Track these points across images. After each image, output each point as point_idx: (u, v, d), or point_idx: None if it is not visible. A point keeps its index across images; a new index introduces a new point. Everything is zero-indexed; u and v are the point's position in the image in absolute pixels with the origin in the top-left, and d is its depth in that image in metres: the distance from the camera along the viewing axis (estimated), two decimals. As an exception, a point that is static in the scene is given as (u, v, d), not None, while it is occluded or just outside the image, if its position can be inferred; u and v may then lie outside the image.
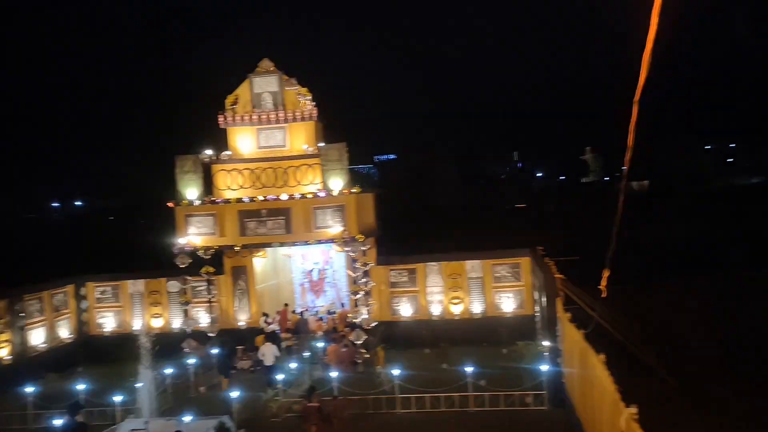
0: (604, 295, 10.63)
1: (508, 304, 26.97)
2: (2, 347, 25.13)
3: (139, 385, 18.81)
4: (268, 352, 23.12)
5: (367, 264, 25.83)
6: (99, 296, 29.33)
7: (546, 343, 20.06)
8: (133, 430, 17.00)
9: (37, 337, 26.72)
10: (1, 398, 22.70)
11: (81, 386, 21.13)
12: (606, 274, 10.43)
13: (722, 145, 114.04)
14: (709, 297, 31.40)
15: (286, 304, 28.16)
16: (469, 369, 19.53)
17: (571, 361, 16.24)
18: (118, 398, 19.60)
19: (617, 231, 8.94)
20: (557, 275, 21.00)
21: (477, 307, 27.16)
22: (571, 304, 20.68)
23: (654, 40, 6.14)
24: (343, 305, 28.97)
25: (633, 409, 9.26)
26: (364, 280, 25.53)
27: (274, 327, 26.59)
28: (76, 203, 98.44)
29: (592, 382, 12.62)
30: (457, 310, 27.25)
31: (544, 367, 19.12)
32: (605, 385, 11.12)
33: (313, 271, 30.20)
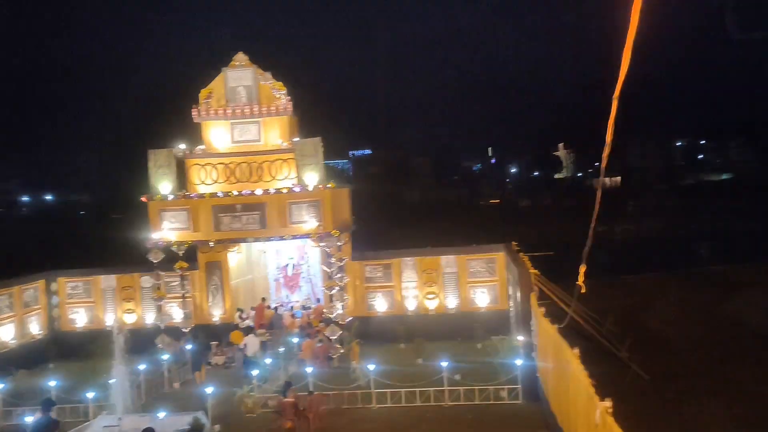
0: (583, 290, 10.69)
1: (482, 299, 27.10)
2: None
3: (112, 381, 18.60)
4: (250, 343, 23.52)
5: (342, 259, 25.80)
6: (70, 292, 28.91)
7: (520, 338, 20.19)
8: (106, 426, 16.83)
9: (6, 333, 26.28)
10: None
11: (52, 383, 20.85)
12: (583, 269, 10.48)
13: (692, 142, 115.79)
14: (681, 292, 31.90)
15: (264, 298, 28.05)
16: (444, 364, 19.58)
17: (546, 355, 16.38)
18: (90, 394, 19.35)
19: (594, 226, 8.98)
20: (532, 270, 21.16)
21: (452, 302, 27.26)
22: (546, 298, 20.88)
23: (634, 36, 6.15)
24: (318, 300, 28.89)
25: (608, 403, 9.34)
26: (339, 275, 25.49)
27: (249, 322, 26.46)
28: (45, 198, 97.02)
29: (567, 376, 12.74)
30: (432, 305, 27.33)
31: (519, 362, 19.25)
32: (580, 379, 11.22)
33: (287, 266, 30.09)
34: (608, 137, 7.16)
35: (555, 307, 20.46)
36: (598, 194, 8.42)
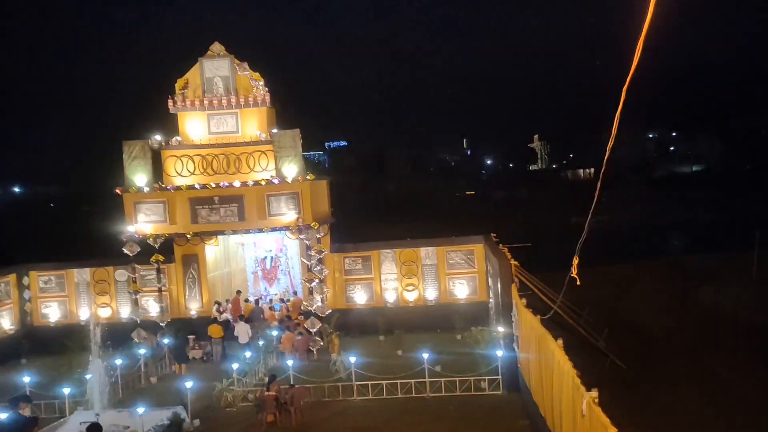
0: (578, 282, 10.70)
1: (461, 290, 27.14)
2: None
3: (88, 376, 18.32)
4: (242, 331, 23.87)
5: (322, 251, 25.65)
6: (43, 286, 28.41)
7: (500, 329, 20.24)
8: (83, 422, 16.55)
9: (-22, 329, 25.79)
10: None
11: (26, 378, 20.47)
12: (576, 261, 10.49)
13: (664, 134, 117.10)
14: (655, 282, 32.27)
15: (239, 291, 27.80)
16: (424, 355, 19.59)
17: (528, 346, 16.41)
18: (66, 390, 19.02)
19: (590, 218, 8.97)
20: (512, 261, 21.21)
21: (431, 294, 27.26)
22: (525, 289, 20.94)
23: (648, 28, 6.07)
24: (295, 293, 28.74)
25: (594, 393, 9.36)
26: (318, 267, 25.36)
27: (227, 315, 26.23)
28: (14, 189, 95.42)
29: (550, 367, 12.76)
30: (411, 297, 27.31)
31: (499, 353, 19.30)
32: (564, 370, 11.24)
33: (266, 259, 29.86)
34: (614, 129, 7.12)
35: (535, 298, 20.55)
36: (599, 185, 8.39)
